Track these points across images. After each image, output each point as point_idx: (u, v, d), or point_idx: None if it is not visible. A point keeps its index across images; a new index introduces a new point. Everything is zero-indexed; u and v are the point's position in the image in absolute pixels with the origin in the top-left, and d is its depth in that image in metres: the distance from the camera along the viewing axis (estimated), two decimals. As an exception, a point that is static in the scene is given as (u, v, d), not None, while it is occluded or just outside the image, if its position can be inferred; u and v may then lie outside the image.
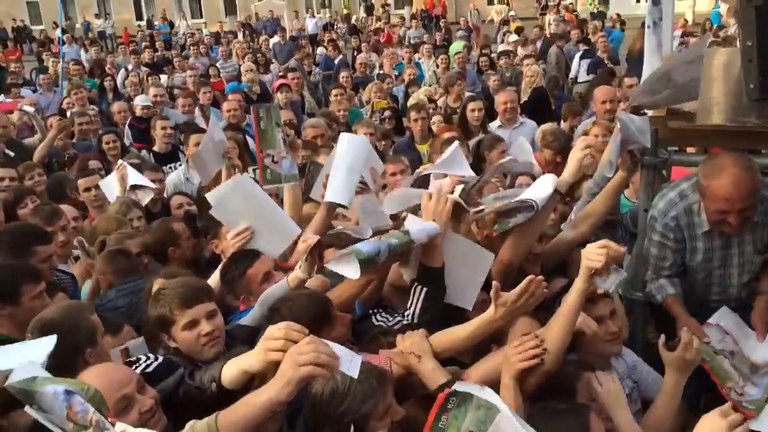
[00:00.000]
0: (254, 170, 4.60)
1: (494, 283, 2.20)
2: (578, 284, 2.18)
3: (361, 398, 1.91)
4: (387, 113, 7.06)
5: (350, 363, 1.66)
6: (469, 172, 3.10)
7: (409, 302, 2.51)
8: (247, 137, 6.06)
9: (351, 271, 2.19)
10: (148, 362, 2.15)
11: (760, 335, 2.65)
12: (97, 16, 30.24)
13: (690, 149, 3.25)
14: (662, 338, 2.45)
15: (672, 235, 2.84)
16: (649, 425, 2.43)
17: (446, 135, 5.31)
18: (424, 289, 2.46)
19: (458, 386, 1.88)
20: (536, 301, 2.19)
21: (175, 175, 5.45)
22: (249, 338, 2.38)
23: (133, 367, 2.10)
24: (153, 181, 4.74)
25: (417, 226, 2.49)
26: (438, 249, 2.48)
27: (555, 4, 27.14)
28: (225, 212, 3.05)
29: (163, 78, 10.14)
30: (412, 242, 2.40)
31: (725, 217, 2.59)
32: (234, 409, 1.70)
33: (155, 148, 6.25)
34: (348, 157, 3.12)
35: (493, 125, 6.24)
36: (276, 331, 1.77)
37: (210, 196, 3.04)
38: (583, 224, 3.03)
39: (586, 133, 4.60)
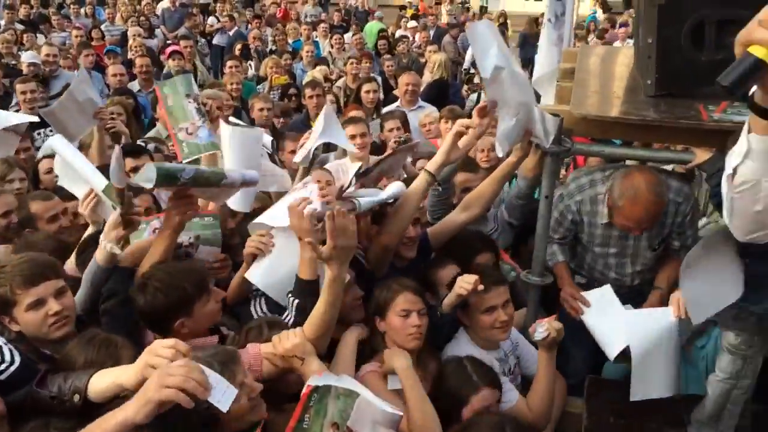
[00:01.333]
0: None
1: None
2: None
3: None
4: (292, 90, 6.95)
5: (223, 395, 1.57)
6: (343, 140, 3.41)
7: (287, 312, 2.44)
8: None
9: (147, 181, 2.13)
10: (1, 367, 1.81)
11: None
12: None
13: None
14: (533, 326, 2.67)
15: (570, 217, 3.06)
16: (531, 403, 2.65)
17: (352, 113, 5.28)
18: (296, 301, 2.39)
19: (317, 381, 1.86)
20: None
21: (49, 142, 5.04)
22: None
23: None
24: (18, 151, 4.31)
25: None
26: (310, 262, 2.38)
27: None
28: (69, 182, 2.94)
29: (40, 37, 9.35)
30: (224, 176, 2.41)
31: (630, 230, 2.86)
32: (86, 430, 1.55)
33: (22, 112, 5.74)
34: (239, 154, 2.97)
35: (392, 107, 6.26)
36: (162, 348, 1.66)
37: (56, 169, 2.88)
38: (475, 205, 3.08)
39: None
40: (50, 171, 4.09)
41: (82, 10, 14.35)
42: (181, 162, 2.88)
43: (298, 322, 2.28)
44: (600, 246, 3.09)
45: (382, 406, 1.86)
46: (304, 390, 1.84)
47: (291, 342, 2.13)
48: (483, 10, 22.75)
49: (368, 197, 2.63)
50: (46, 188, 3.85)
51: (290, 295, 2.42)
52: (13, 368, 1.81)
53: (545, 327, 2.61)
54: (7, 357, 1.83)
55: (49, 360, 2.10)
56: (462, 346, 2.74)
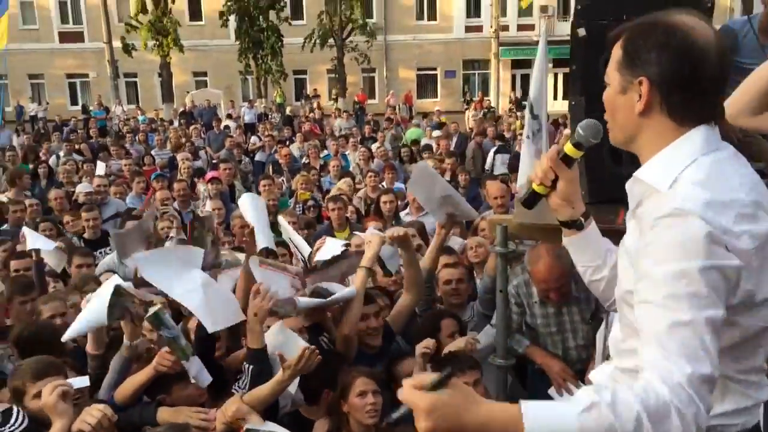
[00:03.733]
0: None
1: (279, 354, 2.84)
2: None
3: None
4: (310, 202, 7.74)
5: None
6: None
7: (243, 378, 3.00)
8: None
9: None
10: (15, 426, 2.52)
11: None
12: (32, 99, 30.32)
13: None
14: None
15: (514, 300, 3.61)
16: None
17: (371, 224, 5.97)
18: (250, 367, 2.95)
19: (250, 425, 2.39)
20: (312, 364, 2.80)
21: (109, 258, 5.83)
22: None
23: (4, 426, 2.52)
24: (80, 266, 5.16)
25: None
26: (255, 332, 2.95)
27: (479, 100, 29.13)
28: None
29: (101, 165, 10.50)
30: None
31: (548, 293, 3.36)
32: None
33: (85, 235, 6.63)
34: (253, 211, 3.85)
35: (402, 214, 6.94)
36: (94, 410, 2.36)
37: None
38: (413, 284, 3.68)
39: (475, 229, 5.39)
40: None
41: (136, 137, 15.87)
42: None
43: (253, 384, 2.86)
44: (543, 326, 3.60)
45: None
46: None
47: (230, 410, 2.71)
48: (512, 111, 23.74)
49: (308, 299, 3.23)
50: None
51: (245, 362, 2.97)
52: (20, 428, 2.52)
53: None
54: (19, 417, 2.57)
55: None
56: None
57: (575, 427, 1.31)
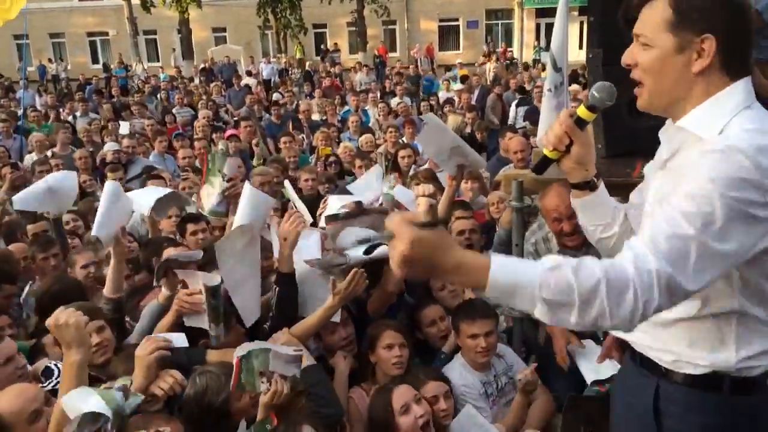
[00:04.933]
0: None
1: (332, 280, 2.96)
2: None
3: (217, 390, 2.51)
4: (332, 158, 7.77)
5: None
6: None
7: (270, 297, 3.15)
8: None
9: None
10: (58, 379, 2.68)
11: (600, 358, 3.20)
12: (50, 61, 30.42)
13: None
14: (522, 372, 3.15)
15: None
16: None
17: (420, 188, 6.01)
18: (278, 289, 3.08)
19: (239, 352, 2.48)
20: (360, 288, 2.94)
21: (132, 218, 5.95)
22: None
23: (47, 383, 2.70)
24: None
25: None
26: (286, 257, 3.07)
27: (502, 51, 28.60)
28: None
29: (125, 125, 10.59)
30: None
31: (562, 227, 3.22)
32: None
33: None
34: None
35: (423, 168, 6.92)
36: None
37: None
38: None
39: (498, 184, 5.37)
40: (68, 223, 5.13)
41: (158, 96, 15.93)
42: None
43: (279, 304, 3.03)
44: None
45: (287, 351, 2.55)
46: (235, 362, 2.47)
47: (283, 339, 2.82)
48: (536, 63, 23.31)
49: (358, 254, 3.21)
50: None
51: (274, 285, 3.11)
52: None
53: (523, 374, 3.11)
54: (56, 374, 2.73)
55: (95, 380, 2.76)
56: (456, 366, 3.29)
57: (536, 281, 1.41)
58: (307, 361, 2.74)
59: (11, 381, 2.59)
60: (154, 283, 3.31)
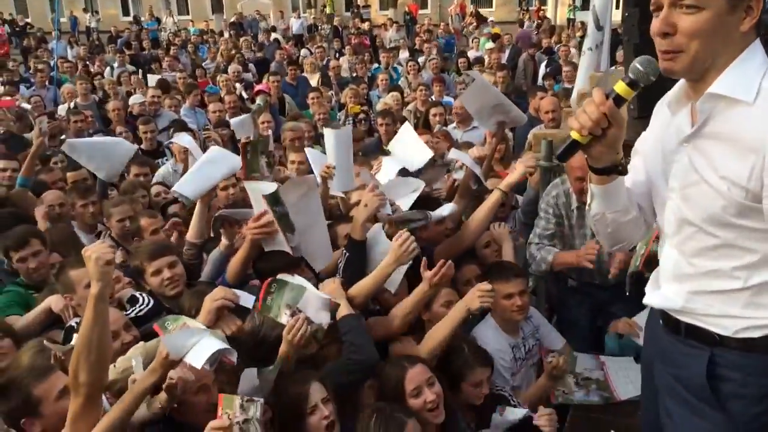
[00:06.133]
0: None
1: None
2: (455, 317, 2.91)
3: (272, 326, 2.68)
4: (361, 116, 7.76)
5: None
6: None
7: (339, 261, 3.23)
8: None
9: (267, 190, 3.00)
10: (141, 307, 2.94)
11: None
12: (84, 10, 30.50)
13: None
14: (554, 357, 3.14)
15: (552, 210, 3.62)
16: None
17: (424, 138, 5.99)
18: (347, 254, 3.18)
19: (278, 277, 2.65)
20: (412, 252, 2.92)
21: (164, 169, 6.06)
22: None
23: (129, 309, 2.91)
24: (138, 174, 5.51)
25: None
26: (359, 227, 3.17)
27: (536, 9, 27.93)
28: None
29: (153, 78, 10.66)
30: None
31: (584, 185, 3.07)
32: None
33: (142, 146, 6.85)
34: (336, 150, 3.81)
35: (450, 127, 6.91)
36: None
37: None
38: (468, 236, 3.67)
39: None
40: (159, 194, 5.11)
41: (186, 49, 15.95)
42: None
43: (346, 267, 3.13)
44: (579, 236, 3.61)
45: (321, 295, 2.68)
46: (265, 282, 2.65)
47: (329, 287, 2.92)
48: (570, 23, 22.78)
49: (439, 212, 3.49)
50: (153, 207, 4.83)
51: (344, 250, 3.22)
52: (147, 308, 2.95)
53: (556, 357, 3.11)
54: (145, 300, 3.00)
55: (167, 310, 3.03)
56: (488, 328, 3.34)
57: None
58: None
59: None
60: (211, 234, 3.57)
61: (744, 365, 1.73)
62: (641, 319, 3.33)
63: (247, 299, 2.75)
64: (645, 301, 1.98)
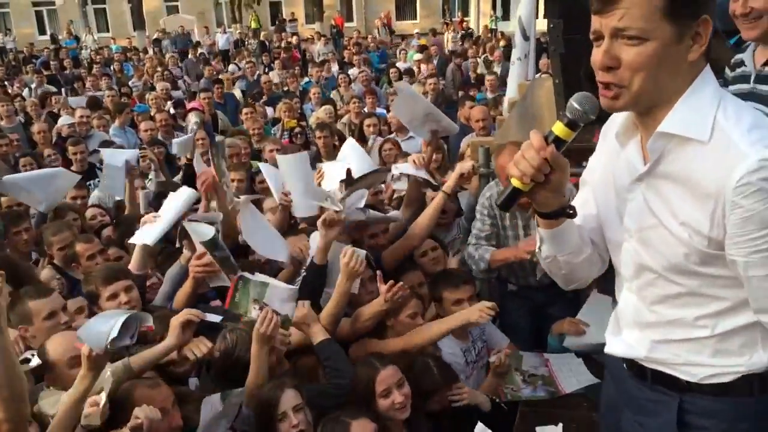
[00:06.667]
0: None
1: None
2: (452, 323, 3.05)
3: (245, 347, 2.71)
4: (297, 129, 7.80)
5: None
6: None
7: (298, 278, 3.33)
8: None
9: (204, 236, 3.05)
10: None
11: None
12: (-3, 30, 29.33)
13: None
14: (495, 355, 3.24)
15: (486, 212, 3.69)
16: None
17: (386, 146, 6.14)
18: (304, 274, 3.28)
19: (243, 275, 2.78)
20: (360, 267, 3.04)
21: (98, 191, 5.93)
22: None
23: None
24: (75, 198, 5.34)
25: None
26: (321, 252, 3.25)
27: (458, 20, 28.59)
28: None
29: (78, 99, 10.37)
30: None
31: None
32: (141, 354, 2.56)
33: (72, 168, 6.65)
34: (293, 176, 3.84)
35: (391, 136, 7.03)
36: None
37: None
38: (415, 237, 3.79)
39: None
40: (95, 217, 5.01)
41: (111, 67, 15.56)
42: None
43: (302, 288, 3.14)
44: (513, 238, 3.68)
45: (285, 286, 2.82)
46: (232, 281, 2.76)
47: (300, 312, 2.94)
48: (492, 33, 23.41)
49: (375, 212, 3.62)
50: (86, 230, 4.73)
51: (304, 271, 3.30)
52: None
53: (498, 356, 3.20)
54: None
55: None
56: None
57: None
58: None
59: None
60: (176, 245, 3.53)
61: (716, 411, 1.64)
62: (583, 315, 3.53)
63: (213, 316, 2.78)
64: (606, 350, 1.87)
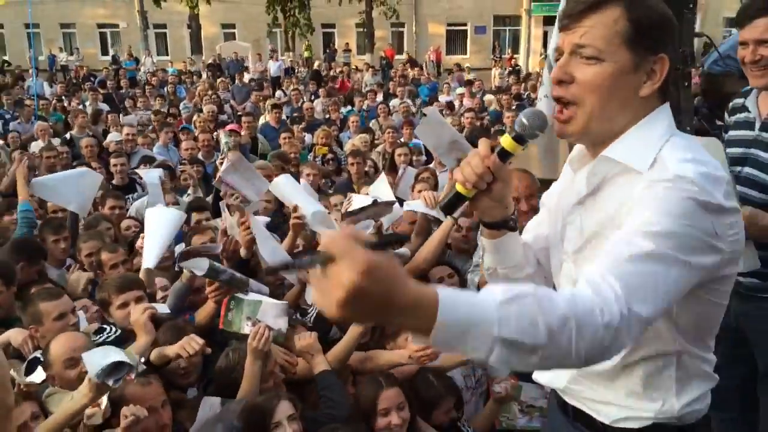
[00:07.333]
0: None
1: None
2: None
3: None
4: (328, 156, 8.01)
5: None
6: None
7: (310, 309, 3.39)
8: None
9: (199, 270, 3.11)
10: (109, 334, 2.99)
11: None
12: (62, 49, 30.69)
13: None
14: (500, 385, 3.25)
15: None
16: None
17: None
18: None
19: (235, 295, 2.88)
20: None
21: (139, 202, 6.16)
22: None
23: (97, 336, 2.96)
24: (113, 207, 5.56)
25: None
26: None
27: (508, 57, 28.78)
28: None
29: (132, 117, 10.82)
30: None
31: (520, 207, 3.20)
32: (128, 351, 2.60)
33: (114, 182, 6.95)
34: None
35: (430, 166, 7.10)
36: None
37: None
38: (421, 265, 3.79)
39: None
40: (129, 228, 5.21)
41: (165, 89, 16.15)
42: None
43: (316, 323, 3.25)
44: None
45: (277, 302, 2.91)
46: (224, 300, 2.88)
47: (305, 342, 3.01)
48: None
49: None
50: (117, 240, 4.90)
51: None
52: (113, 335, 3.01)
53: (503, 386, 3.20)
54: (112, 329, 3.07)
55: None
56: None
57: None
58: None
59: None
60: (176, 268, 3.68)
61: None
62: None
63: (163, 306, 2.98)
64: (534, 376, 1.88)
